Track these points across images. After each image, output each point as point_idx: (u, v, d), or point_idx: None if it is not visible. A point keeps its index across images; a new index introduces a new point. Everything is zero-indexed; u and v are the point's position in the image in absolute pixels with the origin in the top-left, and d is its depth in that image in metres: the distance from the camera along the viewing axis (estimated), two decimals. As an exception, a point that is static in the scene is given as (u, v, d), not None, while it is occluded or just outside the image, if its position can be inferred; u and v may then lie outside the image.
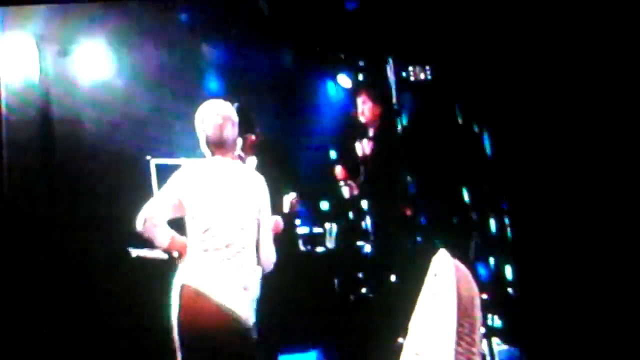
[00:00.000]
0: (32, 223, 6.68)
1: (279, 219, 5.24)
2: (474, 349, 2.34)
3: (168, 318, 4.63)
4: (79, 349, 6.68)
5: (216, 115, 4.70)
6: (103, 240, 6.90)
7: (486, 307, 6.60)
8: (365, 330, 6.74)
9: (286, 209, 6.13)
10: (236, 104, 6.16)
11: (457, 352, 2.33)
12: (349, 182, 6.72)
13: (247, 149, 6.16)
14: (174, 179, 4.65)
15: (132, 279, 6.47)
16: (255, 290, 4.63)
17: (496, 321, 6.64)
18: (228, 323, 4.44)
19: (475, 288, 2.52)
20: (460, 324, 2.36)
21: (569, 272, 5.78)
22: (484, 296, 6.66)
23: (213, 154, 4.71)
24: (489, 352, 6.37)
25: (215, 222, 4.50)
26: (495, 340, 6.53)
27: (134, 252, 6.34)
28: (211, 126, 4.68)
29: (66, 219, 6.86)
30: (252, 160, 6.22)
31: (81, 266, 6.88)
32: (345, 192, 6.75)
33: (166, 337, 4.67)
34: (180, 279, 4.53)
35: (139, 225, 4.56)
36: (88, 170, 7.03)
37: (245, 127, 6.08)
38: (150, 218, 4.51)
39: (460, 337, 2.33)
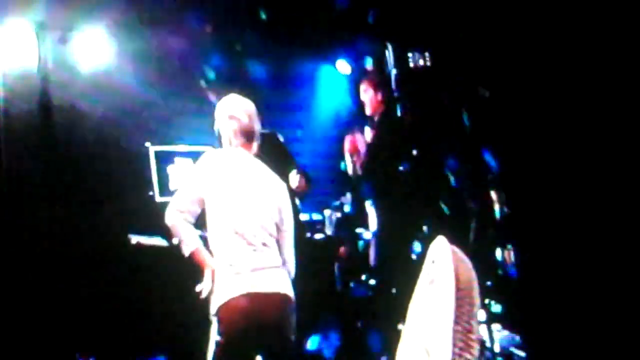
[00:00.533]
0: (31, 211, 6.68)
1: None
2: (472, 335, 2.34)
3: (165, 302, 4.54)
4: (79, 335, 6.71)
5: (244, 109, 4.65)
6: (103, 226, 6.92)
7: (486, 293, 6.62)
8: (365, 316, 6.76)
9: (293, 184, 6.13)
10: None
11: (455, 338, 2.33)
12: (355, 156, 6.62)
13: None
14: (199, 169, 4.52)
15: (132, 266, 6.49)
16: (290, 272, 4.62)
17: (496, 307, 6.65)
18: (284, 305, 4.42)
19: (473, 274, 2.52)
20: (458, 311, 2.36)
21: (570, 258, 5.77)
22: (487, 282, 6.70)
23: (238, 146, 4.63)
24: (489, 338, 6.38)
25: (240, 218, 4.39)
26: (495, 326, 6.54)
27: (134, 239, 6.37)
28: (243, 118, 4.62)
29: (66, 206, 6.87)
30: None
31: (82, 252, 6.89)
32: (349, 167, 6.65)
33: (165, 322, 4.66)
34: (225, 293, 4.33)
35: (168, 220, 4.43)
36: (88, 157, 7.04)
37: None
38: (181, 213, 4.40)
39: (458, 323, 2.33)
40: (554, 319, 5.84)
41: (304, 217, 7.32)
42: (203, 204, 4.40)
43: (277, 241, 4.52)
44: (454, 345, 2.31)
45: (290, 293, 4.47)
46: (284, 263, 4.54)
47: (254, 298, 4.27)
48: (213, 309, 4.32)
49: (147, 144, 6.43)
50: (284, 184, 4.71)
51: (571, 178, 5.66)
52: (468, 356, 2.36)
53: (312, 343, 7.04)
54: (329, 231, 7.63)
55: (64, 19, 6.85)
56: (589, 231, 5.56)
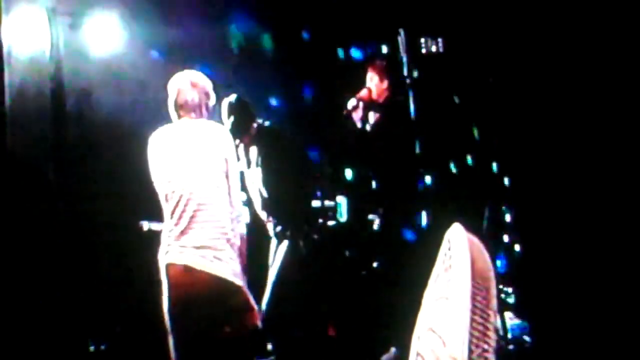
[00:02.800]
0: (43, 199, 6.69)
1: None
2: (489, 325, 2.31)
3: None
4: (93, 322, 6.72)
5: (182, 80, 4.80)
6: (115, 213, 6.92)
7: (499, 281, 6.59)
8: (378, 305, 6.73)
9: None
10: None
11: (471, 327, 2.30)
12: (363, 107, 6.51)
13: (247, 140, 6.18)
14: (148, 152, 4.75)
15: (144, 252, 6.48)
16: (239, 242, 4.67)
17: (509, 295, 6.64)
18: (219, 286, 4.48)
19: (489, 262, 2.49)
20: (474, 299, 2.33)
21: (581, 247, 5.75)
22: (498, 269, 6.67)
23: (179, 117, 4.78)
24: (502, 326, 6.36)
25: (187, 184, 4.53)
26: (507, 314, 6.52)
27: (146, 225, 6.36)
28: (176, 90, 4.77)
29: (77, 192, 6.87)
30: (253, 150, 6.20)
31: (94, 239, 6.90)
32: (357, 119, 6.55)
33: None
34: (165, 257, 4.57)
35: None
36: (100, 143, 7.04)
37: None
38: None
39: (474, 312, 2.30)
40: (564, 308, 5.82)
41: (315, 203, 7.27)
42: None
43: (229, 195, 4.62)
44: (471, 335, 2.28)
45: (229, 276, 4.52)
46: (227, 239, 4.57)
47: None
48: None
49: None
50: (226, 133, 4.79)
51: (586, 168, 5.63)
52: (485, 346, 2.34)
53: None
54: (341, 218, 7.59)
55: (75, 4, 6.85)
56: (602, 221, 5.54)
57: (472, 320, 2.31)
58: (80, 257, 6.76)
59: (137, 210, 6.62)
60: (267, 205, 6.23)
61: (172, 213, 4.55)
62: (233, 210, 4.62)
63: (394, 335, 5.93)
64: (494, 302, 2.39)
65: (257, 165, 6.18)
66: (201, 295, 4.44)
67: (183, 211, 4.50)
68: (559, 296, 5.87)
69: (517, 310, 6.55)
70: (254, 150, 6.22)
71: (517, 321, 6.55)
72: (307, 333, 6.43)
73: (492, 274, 2.46)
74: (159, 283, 4.66)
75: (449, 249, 2.55)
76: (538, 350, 5.97)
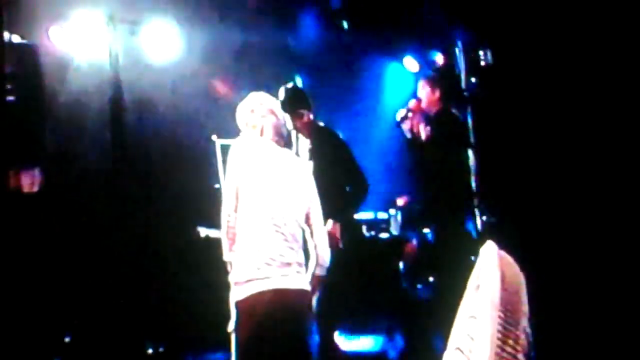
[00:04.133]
0: (102, 205, 6.78)
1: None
2: (519, 347, 2.24)
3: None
4: (151, 325, 6.80)
5: (278, 108, 4.74)
6: (172, 219, 6.98)
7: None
8: (429, 318, 6.66)
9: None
10: (291, 84, 6.15)
11: (499, 348, 2.24)
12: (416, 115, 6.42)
13: (301, 127, 6.08)
14: (234, 161, 4.51)
15: (200, 258, 6.53)
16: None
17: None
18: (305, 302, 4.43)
19: (522, 280, 2.42)
20: (503, 320, 2.27)
21: (578, 247, 5.62)
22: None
23: (270, 140, 4.63)
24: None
25: (277, 210, 4.38)
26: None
27: (203, 232, 6.40)
28: (279, 115, 4.69)
29: (136, 200, 6.95)
30: (305, 144, 6.13)
31: (151, 245, 6.98)
32: (406, 129, 6.45)
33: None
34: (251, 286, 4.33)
35: (223, 225, 4.47)
36: (158, 149, 7.12)
37: (298, 104, 6.03)
38: (229, 221, 4.43)
39: (503, 334, 2.24)
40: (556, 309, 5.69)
41: (368, 215, 7.25)
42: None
43: (308, 234, 4.54)
44: (498, 356, 2.22)
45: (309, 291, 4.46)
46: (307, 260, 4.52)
47: (279, 294, 4.27)
48: (236, 298, 4.32)
49: (214, 137, 6.45)
50: (309, 172, 4.77)
51: (581, 175, 5.52)
52: (514, 367, 2.27)
53: (376, 343, 6.99)
54: (394, 230, 7.54)
55: (134, 11, 6.92)
56: (607, 223, 5.43)
57: (501, 340, 2.25)
58: (138, 264, 6.83)
59: (193, 217, 6.68)
60: None
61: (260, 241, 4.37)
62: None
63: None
64: (524, 322, 2.33)
65: (308, 159, 6.03)
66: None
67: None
68: (554, 298, 5.74)
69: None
70: (306, 142, 6.13)
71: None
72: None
73: (523, 293, 2.39)
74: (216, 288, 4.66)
75: (480, 268, 2.49)
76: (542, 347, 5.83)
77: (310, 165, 5.89)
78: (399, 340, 6.94)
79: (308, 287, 4.44)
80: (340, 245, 5.68)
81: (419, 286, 7.20)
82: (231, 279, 4.38)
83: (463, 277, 5.49)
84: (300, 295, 4.38)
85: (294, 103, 5.92)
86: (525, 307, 2.37)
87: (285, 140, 4.71)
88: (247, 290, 4.26)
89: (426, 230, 7.20)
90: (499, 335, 2.25)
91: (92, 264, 6.70)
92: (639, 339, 5.06)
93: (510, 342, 2.28)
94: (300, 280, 4.40)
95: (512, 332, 2.26)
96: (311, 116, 6.07)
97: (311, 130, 6.07)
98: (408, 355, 6.69)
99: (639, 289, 5.23)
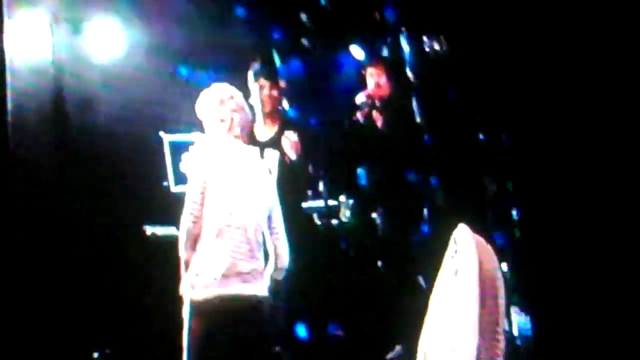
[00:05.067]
0: (45, 204, 6.69)
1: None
2: (499, 328, 2.31)
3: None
4: (95, 329, 6.72)
5: (244, 102, 4.72)
6: (118, 218, 6.91)
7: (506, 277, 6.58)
8: (384, 306, 6.72)
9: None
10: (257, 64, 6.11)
11: (480, 331, 2.30)
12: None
13: (274, 97, 6.05)
14: (196, 163, 4.55)
15: (146, 257, 6.48)
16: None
17: (515, 290, 6.61)
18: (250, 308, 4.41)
19: (497, 264, 2.49)
20: (483, 304, 2.33)
21: (588, 241, 5.74)
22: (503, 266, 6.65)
23: (236, 136, 4.63)
24: (507, 321, 6.34)
25: (236, 208, 4.39)
26: (514, 309, 6.50)
27: (149, 230, 6.34)
28: (246, 110, 4.70)
29: (80, 199, 6.87)
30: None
31: (97, 244, 6.90)
32: (361, 117, 6.48)
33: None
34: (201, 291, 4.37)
35: (183, 227, 4.42)
36: (101, 148, 7.03)
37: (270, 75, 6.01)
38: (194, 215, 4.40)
39: (483, 317, 2.30)
40: (571, 302, 5.81)
41: (318, 203, 7.26)
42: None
43: (268, 237, 4.54)
44: (480, 340, 2.28)
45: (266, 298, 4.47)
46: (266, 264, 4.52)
47: (236, 299, 4.31)
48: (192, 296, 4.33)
49: (161, 133, 6.40)
50: (271, 177, 4.80)
51: (585, 170, 5.63)
52: (496, 350, 2.34)
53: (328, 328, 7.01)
54: (344, 217, 7.56)
55: (77, 10, 6.83)
56: (610, 216, 5.53)
57: (481, 325, 2.31)
58: (83, 263, 6.75)
59: (139, 214, 6.61)
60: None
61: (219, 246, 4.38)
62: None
63: (399, 333, 5.92)
64: (503, 304, 2.40)
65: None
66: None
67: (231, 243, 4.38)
68: (565, 293, 5.86)
69: (523, 305, 6.53)
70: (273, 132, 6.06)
71: (523, 316, 6.54)
72: (314, 332, 6.42)
73: (500, 277, 2.46)
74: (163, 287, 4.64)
75: (456, 252, 2.55)
76: (543, 346, 5.96)
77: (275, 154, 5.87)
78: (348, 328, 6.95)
79: (265, 294, 4.45)
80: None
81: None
82: (187, 277, 4.38)
83: (413, 264, 5.57)
84: (256, 302, 4.39)
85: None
86: (502, 289, 2.44)
87: (249, 137, 4.73)
88: (203, 293, 4.29)
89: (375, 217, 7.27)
90: (481, 319, 2.31)
91: (37, 264, 6.59)
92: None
93: (491, 324, 2.35)
94: (257, 287, 4.41)
95: (494, 315, 2.33)
96: (281, 84, 6.07)
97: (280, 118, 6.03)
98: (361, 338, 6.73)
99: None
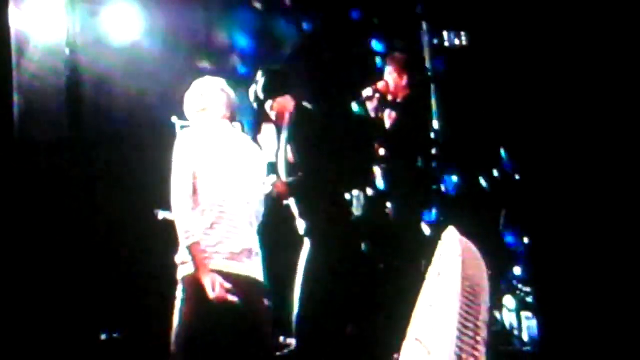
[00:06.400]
0: (59, 187, 6.67)
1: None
2: (479, 338, 2.21)
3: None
4: (106, 311, 6.71)
5: (210, 86, 4.77)
6: (131, 202, 6.88)
7: (518, 281, 6.49)
8: (394, 300, 6.63)
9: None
10: (265, 68, 6.04)
11: (460, 340, 2.20)
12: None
13: (280, 112, 5.92)
14: (183, 151, 4.52)
15: (157, 241, 6.44)
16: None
17: (527, 295, 6.52)
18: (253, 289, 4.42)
19: (483, 269, 2.39)
20: (464, 309, 2.23)
21: (603, 246, 5.62)
22: (517, 270, 6.55)
23: (224, 118, 4.70)
24: (518, 326, 6.26)
25: (228, 195, 4.43)
26: (525, 314, 6.41)
27: (161, 215, 6.31)
28: (231, 93, 4.74)
29: (94, 182, 6.85)
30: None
31: (108, 228, 6.88)
32: (371, 109, 6.36)
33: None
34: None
35: (177, 205, 4.41)
36: (116, 132, 7.01)
37: (278, 83, 5.87)
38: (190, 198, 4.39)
39: (463, 323, 2.20)
40: (584, 308, 5.70)
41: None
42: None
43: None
44: (459, 348, 2.18)
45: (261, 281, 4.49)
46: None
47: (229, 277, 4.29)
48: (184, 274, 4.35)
49: (174, 118, 6.36)
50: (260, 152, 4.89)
51: (596, 173, 5.51)
52: (476, 355, 2.24)
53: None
54: (357, 212, 7.46)
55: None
56: (621, 224, 5.42)
57: (460, 331, 2.21)
58: (95, 246, 6.72)
59: (153, 200, 6.58)
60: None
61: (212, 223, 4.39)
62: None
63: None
64: (484, 311, 2.29)
65: (287, 142, 5.84)
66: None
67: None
68: (576, 297, 5.75)
69: (535, 310, 6.43)
70: (287, 128, 5.90)
71: (534, 322, 6.44)
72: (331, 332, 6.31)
73: (485, 283, 2.36)
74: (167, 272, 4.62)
75: (441, 255, 2.46)
76: (554, 351, 5.86)
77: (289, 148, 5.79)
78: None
79: (260, 277, 4.46)
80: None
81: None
82: (179, 258, 4.40)
83: (418, 260, 5.48)
84: (250, 282, 4.39)
85: (271, 88, 5.83)
86: (485, 296, 2.34)
87: (235, 116, 4.73)
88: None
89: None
90: (459, 325, 2.22)
91: (49, 248, 6.57)
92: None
93: (470, 331, 2.24)
94: (252, 267, 4.43)
95: (472, 321, 2.23)
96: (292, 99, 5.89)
97: (296, 115, 5.85)
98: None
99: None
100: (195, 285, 4.25)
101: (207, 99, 4.67)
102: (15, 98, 6.20)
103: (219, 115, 4.64)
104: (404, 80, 6.26)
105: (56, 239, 6.61)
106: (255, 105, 5.87)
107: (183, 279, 4.36)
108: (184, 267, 4.36)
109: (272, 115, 5.85)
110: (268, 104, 5.80)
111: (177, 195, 4.39)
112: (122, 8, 6.97)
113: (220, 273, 4.25)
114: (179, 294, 4.38)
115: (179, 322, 4.34)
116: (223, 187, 4.42)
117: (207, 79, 4.80)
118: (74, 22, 6.61)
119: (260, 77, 5.83)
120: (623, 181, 5.42)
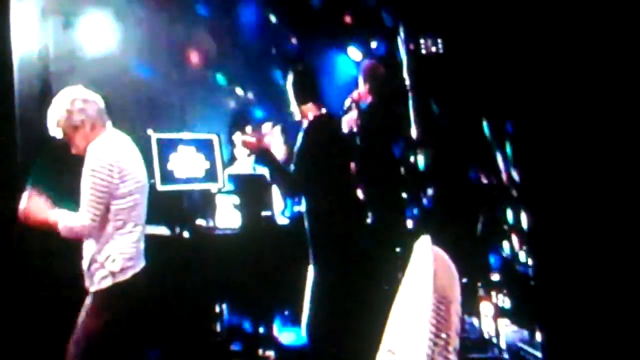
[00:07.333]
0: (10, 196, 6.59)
1: None
2: (450, 347, 2.18)
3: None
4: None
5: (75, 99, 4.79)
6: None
7: (495, 288, 6.47)
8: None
9: None
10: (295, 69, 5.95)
11: (431, 351, 2.18)
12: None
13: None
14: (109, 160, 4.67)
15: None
16: None
17: (505, 302, 6.50)
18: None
19: (456, 280, 2.37)
20: (435, 319, 2.21)
21: (584, 251, 5.60)
22: (495, 277, 6.53)
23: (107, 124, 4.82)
24: (496, 333, 6.24)
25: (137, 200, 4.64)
26: (503, 321, 6.39)
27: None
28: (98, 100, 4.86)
29: (67, 195, 6.77)
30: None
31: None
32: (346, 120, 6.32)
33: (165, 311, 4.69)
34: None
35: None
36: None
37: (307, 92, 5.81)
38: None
39: (434, 333, 2.18)
40: (566, 314, 5.67)
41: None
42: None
43: None
44: (430, 359, 2.16)
45: None
46: None
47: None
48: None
49: (149, 131, 6.31)
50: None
51: (585, 175, 5.48)
52: (447, 367, 2.21)
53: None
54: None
55: (68, 3, 6.74)
56: (604, 227, 5.39)
57: (432, 340, 2.18)
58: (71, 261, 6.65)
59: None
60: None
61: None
62: None
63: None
64: (456, 322, 2.27)
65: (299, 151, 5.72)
66: None
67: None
68: (561, 303, 5.72)
69: (513, 317, 6.42)
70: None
71: (513, 328, 6.43)
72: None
73: (456, 292, 2.33)
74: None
75: (413, 264, 2.43)
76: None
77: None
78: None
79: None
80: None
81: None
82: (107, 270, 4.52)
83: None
84: None
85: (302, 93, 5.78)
86: (457, 305, 2.31)
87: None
88: (121, 276, 4.48)
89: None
90: (431, 335, 2.19)
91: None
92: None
93: (442, 341, 2.22)
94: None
95: (443, 330, 2.20)
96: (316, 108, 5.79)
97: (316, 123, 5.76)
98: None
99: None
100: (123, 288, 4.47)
101: (76, 116, 4.74)
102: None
103: (102, 124, 4.78)
104: (366, 87, 6.31)
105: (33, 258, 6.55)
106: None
107: (109, 289, 4.47)
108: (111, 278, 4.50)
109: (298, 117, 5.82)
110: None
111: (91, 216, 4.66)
112: (96, 19, 6.93)
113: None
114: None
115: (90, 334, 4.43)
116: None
117: (67, 91, 4.79)
118: (47, 33, 6.56)
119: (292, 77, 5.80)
120: (614, 184, 5.41)
